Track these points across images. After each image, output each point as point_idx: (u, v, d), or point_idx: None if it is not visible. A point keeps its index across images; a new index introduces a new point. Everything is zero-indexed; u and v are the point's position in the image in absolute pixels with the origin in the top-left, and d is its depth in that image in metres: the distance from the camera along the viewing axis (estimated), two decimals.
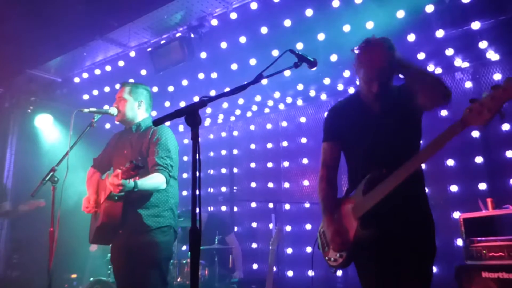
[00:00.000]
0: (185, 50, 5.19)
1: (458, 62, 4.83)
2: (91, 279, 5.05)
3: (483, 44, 4.54)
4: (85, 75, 6.34)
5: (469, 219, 3.73)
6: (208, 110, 6.77)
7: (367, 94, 2.47)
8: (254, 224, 6.42)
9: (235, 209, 6.69)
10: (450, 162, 4.88)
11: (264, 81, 4.93)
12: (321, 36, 5.08)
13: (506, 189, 4.47)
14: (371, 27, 4.66)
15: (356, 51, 2.44)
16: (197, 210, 1.76)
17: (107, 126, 7.12)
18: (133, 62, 5.87)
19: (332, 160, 2.61)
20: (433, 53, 4.77)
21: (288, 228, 6.04)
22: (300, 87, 5.96)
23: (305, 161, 6.15)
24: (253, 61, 5.53)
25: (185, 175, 6.80)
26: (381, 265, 2.33)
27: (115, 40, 5.62)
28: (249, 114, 6.76)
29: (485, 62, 4.77)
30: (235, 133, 7.02)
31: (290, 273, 5.88)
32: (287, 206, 6.10)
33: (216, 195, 6.86)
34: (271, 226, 5.42)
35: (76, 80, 6.46)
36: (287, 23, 5.01)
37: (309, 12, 4.85)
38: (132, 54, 5.81)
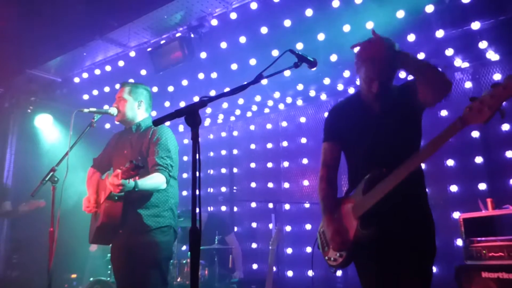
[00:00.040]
0: (185, 50, 5.19)
1: (458, 62, 4.83)
2: (91, 279, 5.05)
3: (483, 44, 4.54)
4: (85, 75, 6.34)
5: (469, 219, 3.73)
6: (208, 110, 6.77)
7: (367, 94, 2.47)
8: (254, 224, 6.41)
9: (235, 209, 6.69)
10: (450, 162, 4.88)
11: (264, 81, 4.93)
12: (321, 36, 5.08)
13: (506, 189, 4.47)
14: (371, 27, 4.66)
15: (356, 49, 2.43)
16: (197, 210, 1.76)
17: (107, 126, 7.12)
18: (133, 62, 5.87)
19: (332, 160, 2.61)
20: (433, 53, 4.77)
21: (288, 228, 6.04)
22: (300, 87, 5.96)
23: (305, 161, 6.15)
24: (253, 61, 5.53)
25: (185, 175, 6.80)
26: (381, 264, 2.33)
27: (115, 40, 5.62)
28: (249, 114, 6.76)
29: (485, 62, 4.77)
30: (235, 133, 7.02)
31: (290, 273, 5.88)
32: (287, 206, 6.10)
33: (216, 195, 6.86)
34: (271, 226, 5.42)
35: (76, 80, 6.46)
36: (287, 23, 5.01)
37: (309, 12, 4.85)
38: (132, 54, 5.80)
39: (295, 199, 6.00)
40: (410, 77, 2.55)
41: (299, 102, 6.25)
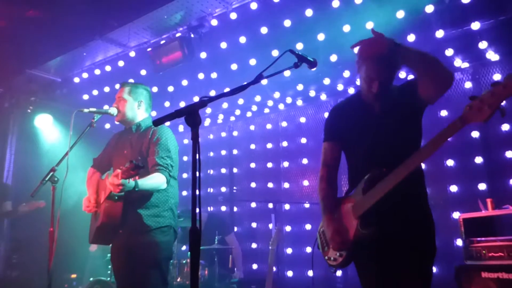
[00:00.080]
0: (185, 50, 5.19)
1: (458, 63, 4.83)
2: (91, 279, 5.06)
3: (483, 45, 4.54)
4: (85, 75, 6.35)
5: (468, 219, 3.73)
6: (208, 110, 6.77)
7: (367, 94, 2.47)
8: (254, 224, 6.41)
9: (235, 209, 6.69)
10: (450, 162, 4.88)
11: (264, 81, 4.93)
12: (321, 36, 5.08)
13: (506, 189, 4.47)
14: (371, 27, 4.66)
15: (357, 48, 2.43)
16: (197, 210, 1.77)
17: (107, 126, 7.12)
18: (133, 62, 5.87)
19: (332, 160, 2.61)
20: (432, 53, 4.76)
21: (288, 228, 6.04)
22: (300, 87, 5.96)
23: (305, 161, 6.15)
24: (253, 61, 5.53)
25: (185, 175, 6.80)
26: (381, 264, 2.33)
27: (115, 40, 5.63)
28: (249, 114, 6.76)
29: (485, 63, 4.77)
30: (235, 133, 7.02)
31: (290, 273, 5.88)
32: (287, 206, 6.10)
33: (216, 195, 6.86)
34: (271, 226, 5.42)
35: (76, 80, 6.46)
36: (287, 23, 5.01)
37: (309, 12, 4.85)
38: (132, 54, 5.81)
39: (295, 199, 6.00)
40: (410, 77, 2.55)
41: (299, 102, 6.25)
